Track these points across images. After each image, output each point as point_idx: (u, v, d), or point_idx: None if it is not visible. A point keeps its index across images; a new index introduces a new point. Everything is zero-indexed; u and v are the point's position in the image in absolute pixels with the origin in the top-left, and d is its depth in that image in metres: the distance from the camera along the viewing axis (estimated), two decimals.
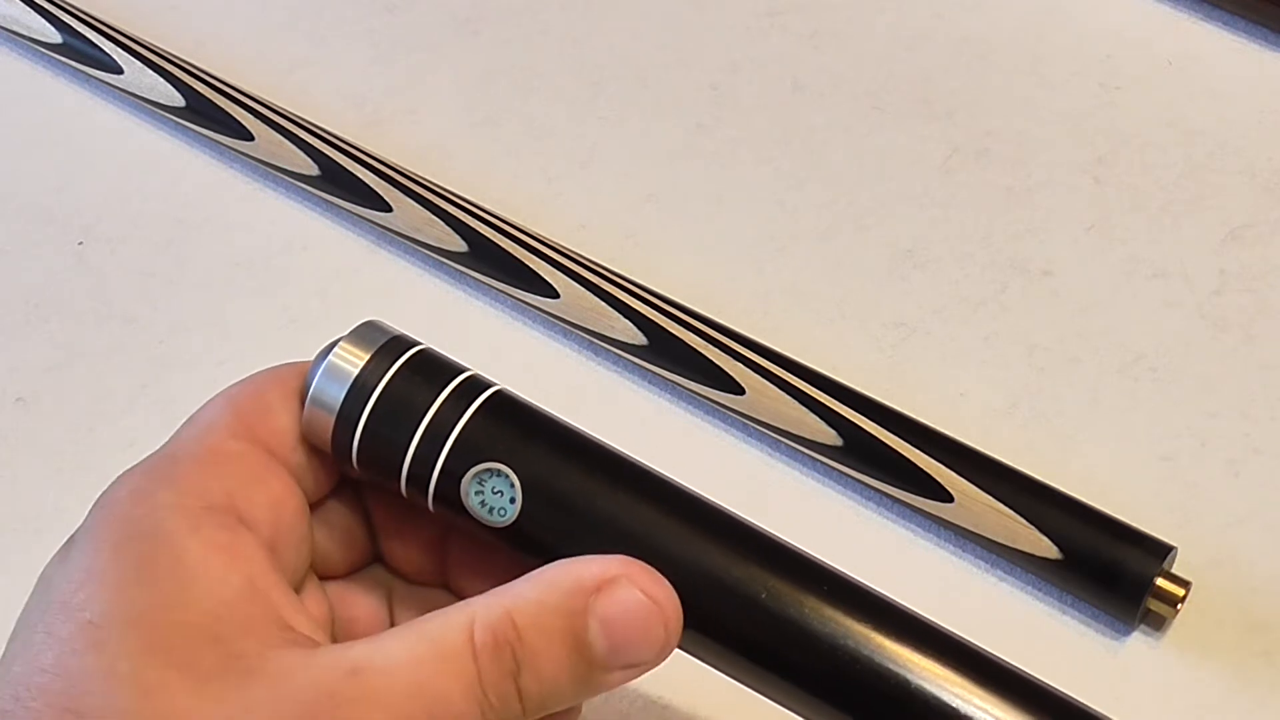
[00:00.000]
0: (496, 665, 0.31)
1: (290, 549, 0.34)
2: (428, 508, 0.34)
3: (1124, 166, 0.53)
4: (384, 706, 0.30)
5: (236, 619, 0.31)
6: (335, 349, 0.34)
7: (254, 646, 0.30)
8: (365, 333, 0.34)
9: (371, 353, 0.34)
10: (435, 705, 0.31)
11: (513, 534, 0.33)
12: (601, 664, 0.32)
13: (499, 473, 0.33)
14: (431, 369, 0.34)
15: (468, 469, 0.33)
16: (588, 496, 0.33)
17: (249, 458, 0.33)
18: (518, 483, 0.33)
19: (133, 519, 0.32)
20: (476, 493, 0.33)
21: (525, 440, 0.33)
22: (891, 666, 0.31)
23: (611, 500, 0.33)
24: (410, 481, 0.34)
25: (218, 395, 0.35)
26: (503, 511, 0.33)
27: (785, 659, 0.32)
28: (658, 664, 0.32)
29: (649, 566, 0.32)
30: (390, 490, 0.34)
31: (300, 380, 0.35)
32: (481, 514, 0.33)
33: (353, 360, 0.34)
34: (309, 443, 0.34)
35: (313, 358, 0.34)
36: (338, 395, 0.33)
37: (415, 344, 0.34)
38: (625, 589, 0.32)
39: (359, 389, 0.33)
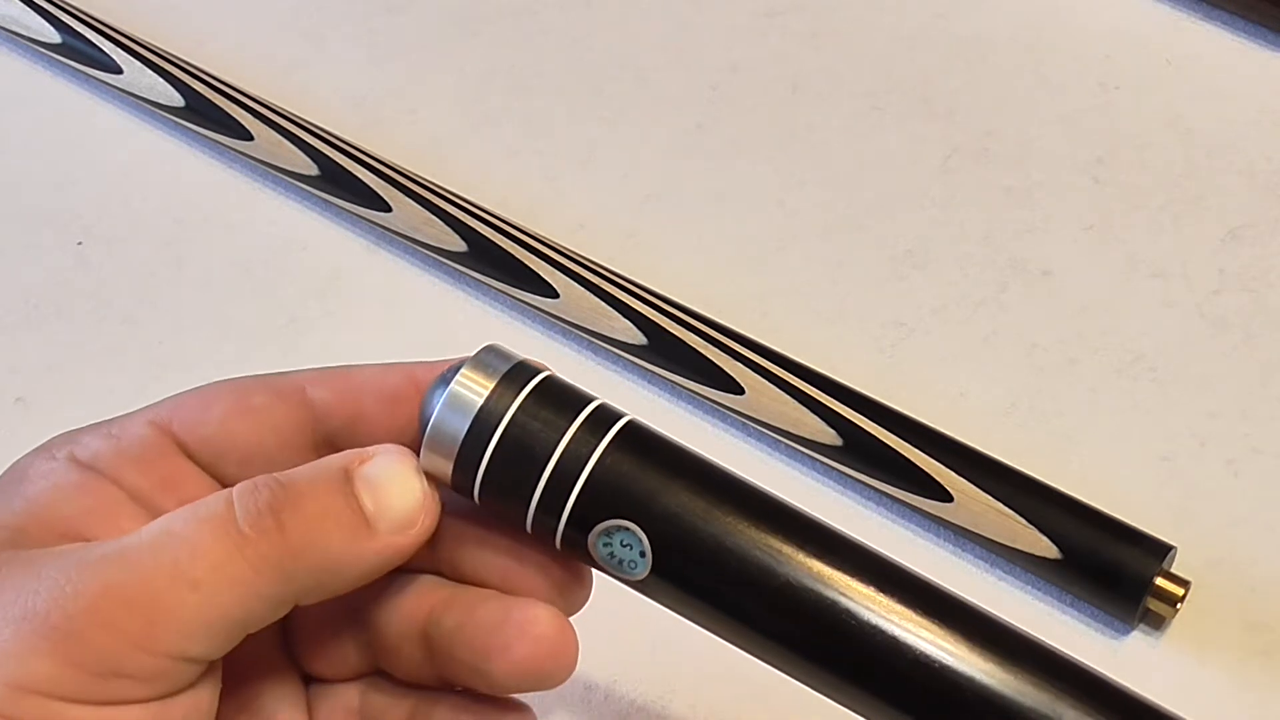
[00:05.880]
0: (252, 497, 0.30)
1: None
2: (554, 547, 0.32)
3: (1124, 166, 0.53)
4: (126, 564, 0.29)
5: (30, 527, 0.31)
6: (457, 376, 0.31)
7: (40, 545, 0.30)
8: (487, 359, 0.32)
9: (495, 380, 0.31)
10: (182, 549, 0.29)
11: (646, 588, 0.31)
12: (369, 519, 0.31)
13: (627, 529, 0.31)
14: (559, 399, 0.32)
15: (594, 524, 0.31)
16: (724, 549, 0.30)
17: (152, 442, 0.33)
18: (646, 540, 0.31)
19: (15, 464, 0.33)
20: (605, 545, 0.31)
21: (653, 490, 0.31)
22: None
23: (751, 550, 0.30)
24: (536, 524, 0.31)
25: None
26: (633, 565, 0.31)
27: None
28: (420, 534, 0.32)
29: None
30: (513, 523, 0.32)
31: (258, 394, 0.33)
32: (611, 567, 0.31)
33: (476, 389, 0.31)
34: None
35: (429, 385, 0.32)
36: (460, 427, 0.31)
37: (539, 370, 0.32)
38: (388, 453, 0.31)
39: (483, 421, 0.31)
